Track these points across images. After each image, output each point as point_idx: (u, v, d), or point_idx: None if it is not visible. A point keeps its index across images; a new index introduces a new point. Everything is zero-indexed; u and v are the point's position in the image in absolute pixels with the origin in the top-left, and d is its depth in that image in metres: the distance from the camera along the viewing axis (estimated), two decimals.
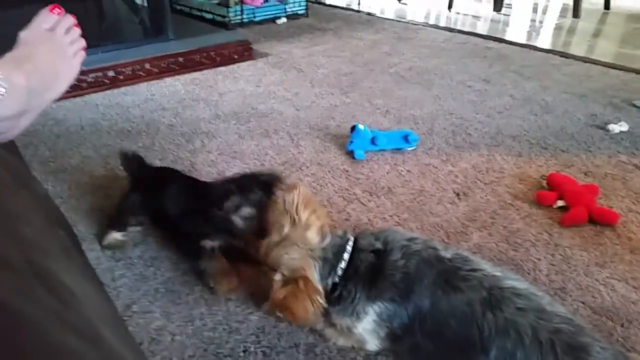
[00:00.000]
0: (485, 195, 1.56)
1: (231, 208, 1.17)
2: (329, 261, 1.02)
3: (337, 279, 1.02)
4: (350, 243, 1.04)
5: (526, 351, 0.84)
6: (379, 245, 1.02)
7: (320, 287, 1.00)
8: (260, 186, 1.20)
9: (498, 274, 0.96)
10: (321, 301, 0.98)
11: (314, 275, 1.00)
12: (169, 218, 1.29)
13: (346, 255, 1.02)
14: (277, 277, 1.02)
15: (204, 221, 1.22)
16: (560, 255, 1.32)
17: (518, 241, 1.37)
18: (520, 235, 1.39)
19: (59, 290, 0.40)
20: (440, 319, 0.93)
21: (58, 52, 0.95)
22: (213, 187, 1.27)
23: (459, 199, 1.55)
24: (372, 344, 1.04)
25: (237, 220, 1.18)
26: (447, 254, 0.99)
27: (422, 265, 0.97)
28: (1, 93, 0.81)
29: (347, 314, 1.01)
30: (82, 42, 0.99)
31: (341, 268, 1.02)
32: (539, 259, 1.30)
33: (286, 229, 1.04)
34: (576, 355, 0.82)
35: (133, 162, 1.43)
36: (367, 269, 1.00)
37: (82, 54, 0.99)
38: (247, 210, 1.18)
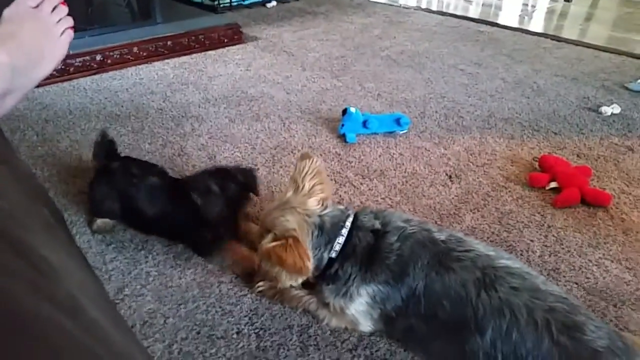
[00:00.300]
0: (478, 178, 1.56)
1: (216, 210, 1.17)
2: (325, 232, 1.00)
3: (333, 255, 1.01)
4: (350, 219, 1.03)
5: (522, 331, 0.84)
6: (378, 225, 1.01)
7: (310, 252, 0.98)
8: (236, 180, 1.20)
9: (491, 253, 0.95)
10: (308, 264, 0.96)
11: (306, 239, 0.99)
12: (144, 219, 1.26)
13: (344, 231, 1.01)
14: (269, 236, 1.00)
15: (185, 219, 1.21)
16: (554, 236, 1.32)
17: (511, 223, 1.37)
18: (513, 217, 1.39)
19: (35, 262, 0.39)
20: (434, 300, 0.93)
21: (44, 31, 0.92)
22: (186, 183, 1.24)
23: (451, 181, 1.55)
24: (365, 326, 1.03)
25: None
26: (441, 236, 0.99)
27: (416, 247, 0.97)
28: None
29: (341, 294, 1.00)
30: (70, 21, 0.96)
31: (339, 243, 1.00)
32: (532, 241, 1.31)
33: (288, 194, 1.04)
34: (571, 334, 0.82)
35: (102, 151, 1.33)
36: (365, 250, 0.99)
37: (70, 33, 0.96)
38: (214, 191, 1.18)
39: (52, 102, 2.03)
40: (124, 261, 1.23)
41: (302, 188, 1.03)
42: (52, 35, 0.93)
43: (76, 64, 2.27)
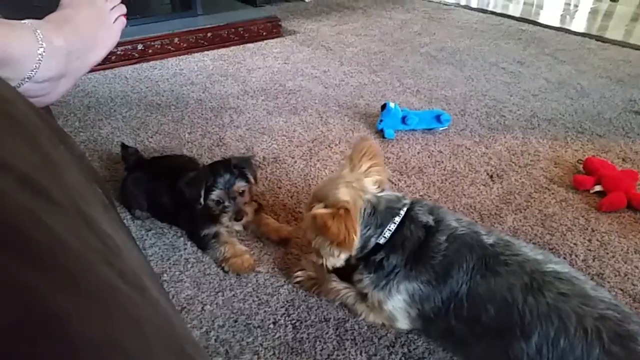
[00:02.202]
0: (520, 178, 1.52)
1: (194, 196, 1.16)
2: (378, 213, 0.98)
3: (381, 241, 0.98)
4: (405, 208, 1.00)
5: (570, 339, 0.81)
6: (430, 220, 0.98)
7: (358, 228, 0.95)
8: (230, 169, 1.18)
9: (539, 257, 0.92)
10: (354, 238, 0.93)
11: (357, 215, 0.96)
12: (166, 210, 1.30)
13: (397, 219, 0.98)
14: (319, 204, 0.97)
15: (191, 213, 1.22)
16: (598, 240, 1.28)
17: (554, 225, 1.33)
18: (556, 220, 1.35)
19: (103, 237, 0.39)
20: (477, 303, 0.90)
21: (99, 17, 0.94)
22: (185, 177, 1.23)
23: (492, 181, 1.51)
24: (403, 323, 1.02)
25: (212, 204, 1.17)
26: (489, 239, 0.96)
27: (463, 249, 0.94)
28: (40, 53, 0.81)
29: (380, 286, 0.99)
30: (123, 9, 0.97)
31: (389, 230, 0.98)
32: (575, 244, 1.27)
33: (344, 171, 1.03)
34: (624, 344, 0.79)
35: (129, 153, 1.44)
36: (414, 245, 0.96)
37: (123, 20, 0.97)
38: (216, 193, 1.16)
39: (94, 90, 2.07)
40: (163, 247, 1.24)
41: (360, 167, 1.02)
42: (106, 21, 0.95)
43: (118, 52, 2.31)
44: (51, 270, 0.28)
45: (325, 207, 0.96)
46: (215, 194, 1.16)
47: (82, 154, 0.77)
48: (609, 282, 1.15)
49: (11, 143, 0.39)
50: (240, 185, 1.18)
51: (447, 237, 0.95)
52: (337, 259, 1.03)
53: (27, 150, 0.41)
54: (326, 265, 1.05)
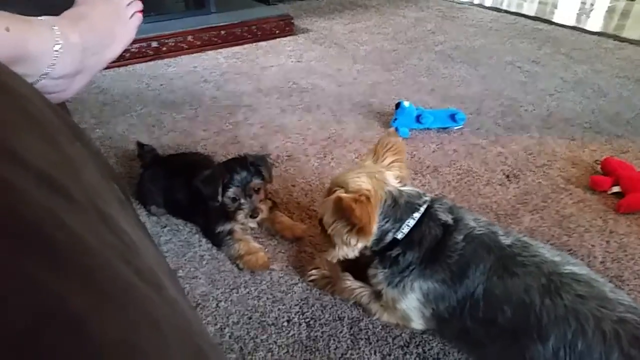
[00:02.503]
0: (537, 179, 1.51)
1: (211, 193, 1.15)
2: (399, 206, 0.97)
3: (399, 236, 0.97)
4: (426, 205, 0.98)
5: (588, 341, 0.80)
6: (449, 219, 0.96)
7: (377, 218, 0.94)
8: (246, 166, 1.18)
9: (557, 259, 0.91)
10: (374, 226, 0.93)
11: (377, 204, 0.95)
12: (181, 207, 1.31)
13: (417, 215, 0.97)
14: (340, 190, 0.96)
15: (205, 209, 1.22)
16: (616, 242, 1.26)
17: (571, 226, 1.31)
18: (573, 221, 1.33)
19: (121, 235, 0.39)
20: (494, 305, 0.89)
21: (115, 13, 0.94)
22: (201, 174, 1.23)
23: (509, 181, 1.50)
24: (417, 323, 1.01)
25: (228, 202, 1.18)
26: (507, 240, 0.94)
27: (480, 250, 0.92)
28: (57, 50, 0.81)
29: (394, 283, 0.98)
30: (139, 5, 0.97)
31: (407, 226, 0.96)
32: (593, 246, 1.25)
33: (366, 163, 1.03)
34: None
35: (145, 151, 1.45)
36: (431, 243, 0.95)
37: (139, 16, 0.97)
38: (233, 191, 1.16)
39: (109, 86, 2.09)
40: (179, 243, 1.25)
41: (383, 160, 1.02)
42: (122, 17, 0.95)
43: (133, 49, 2.32)
44: (70, 270, 0.28)
45: (346, 193, 0.95)
46: (231, 191, 1.16)
47: (98, 150, 0.78)
48: (628, 284, 1.14)
49: (29, 140, 0.39)
50: (256, 182, 1.18)
51: (465, 237, 0.94)
52: (352, 249, 1.01)
53: (45, 148, 0.41)
54: (339, 256, 1.04)
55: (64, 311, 0.24)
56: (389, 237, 0.98)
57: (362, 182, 0.96)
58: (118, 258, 0.35)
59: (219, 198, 1.15)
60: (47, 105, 0.63)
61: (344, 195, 0.92)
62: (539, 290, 0.86)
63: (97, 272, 0.30)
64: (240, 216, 1.18)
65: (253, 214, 1.18)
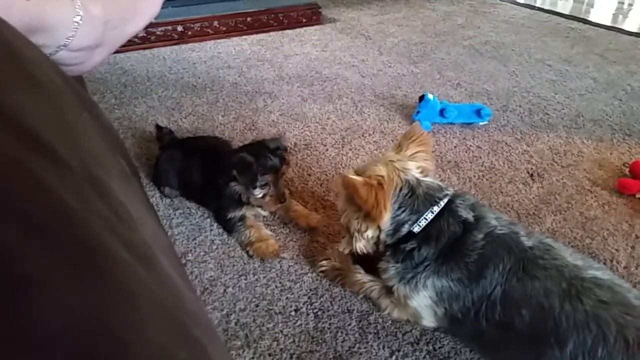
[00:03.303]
0: (562, 179, 1.45)
1: (249, 180, 1.13)
2: (417, 197, 0.93)
3: (416, 229, 0.93)
4: (447, 199, 0.94)
5: (609, 349, 0.75)
6: (469, 216, 0.92)
7: (389, 204, 0.91)
8: (273, 152, 1.16)
9: (579, 263, 0.86)
10: (384, 213, 0.90)
11: (391, 191, 0.92)
12: (196, 190, 1.29)
13: (436, 209, 0.93)
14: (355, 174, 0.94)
15: (219, 194, 1.20)
16: None
17: (595, 229, 1.26)
18: (597, 223, 1.28)
19: (114, 205, 0.36)
20: (511, 308, 0.85)
21: None
22: (224, 159, 1.21)
23: (532, 180, 1.45)
24: (428, 321, 0.98)
25: (238, 189, 1.16)
26: (528, 242, 0.89)
27: (500, 250, 0.88)
28: (77, 21, 0.80)
29: (407, 279, 0.94)
30: None
31: (425, 219, 0.92)
32: (617, 250, 1.20)
33: (389, 152, 1.00)
34: None
35: (163, 134, 1.45)
36: (449, 239, 0.91)
37: None
38: (266, 178, 1.14)
39: (131, 68, 2.09)
40: (190, 227, 1.23)
41: (406, 149, 0.99)
42: None
43: (158, 32, 2.32)
44: (37, 230, 0.25)
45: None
46: (266, 177, 1.14)
47: (109, 125, 0.76)
48: None
49: (24, 99, 0.37)
50: (283, 168, 1.17)
51: (485, 236, 0.90)
52: (367, 241, 0.99)
53: (42, 110, 0.39)
54: (355, 249, 1.01)
55: (16, 272, 0.22)
56: (405, 230, 0.94)
57: (376, 168, 0.94)
58: (103, 226, 0.33)
59: (257, 184, 1.14)
60: (58, 73, 0.61)
61: (350, 176, 0.90)
62: (559, 295, 0.82)
63: (69, 234, 0.27)
64: (269, 201, 1.17)
65: (282, 199, 1.17)
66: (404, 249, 0.94)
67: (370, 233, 0.96)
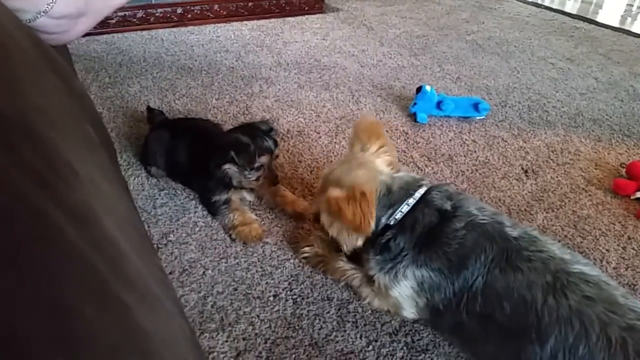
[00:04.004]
0: (557, 176, 1.42)
1: (247, 162, 1.11)
2: (392, 194, 0.92)
3: (392, 222, 0.92)
4: (422, 190, 0.93)
5: (591, 347, 0.73)
6: (447, 206, 0.91)
7: (374, 211, 0.89)
8: (267, 134, 1.14)
9: (567, 257, 0.84)
10: (371, 222, 0.88)
11: (374, 197, 0.90)
12: (183, 171, 1.26)
13: (411, 201, 0.92)
14: (336, 188, 0.92)
15: (207, 177, 1.17)
16: (634, 249, 1.18)
17: (587, 228, 1.23)
18: (590, 223, 1.25)
19: (57, 165, 0.34)
20: (493, 300, 0.83)
21: None
22: (214, 141, 1.19)
23: (526, 176, 1.42)
24: (409, 312, 0.95)
25: (231, 172, 1.13)
26: (513, 232, 0.87)
27: (482, 240, 0.86)
28: None
29: (386, 269, 0.92)
30: None
31: (401, 212, 0.91)
32: (607, 250, 1.17)
33: (355, 154, 0.98)
34: None
35: (154, 115, 1.43)
36: (425, 229, 0.89)
37: None
38: (263, 159, 1.12)
39: (128, 48, 2.06)
40: (174, 208, 1.21)
41: (369, 148, 0.97)
42: None
43: (157, 14, 2.29)
44: None
45: (340, 190, 0.90)
46: (260, 160, 1.12)
47: (83, 94, 0.74)
48: None
49: None
50: (276, 150, 1.15)
51: (465, 225, 0.87)
52: (356, 242, 0.98)
53: None
54: (345, 250, 1.01)
55: None
56: (382, 224, 0.93)
57: (356, 176, 0.93)
58: (29, 178, 0.31)
59: (255, 165, 1.11)
60: (28, 36, 0.59)
61: (334, 195, 0.88)
62: (542, 288, 0.79)
63: None
64: (260, 184, 1.15)
65: (275, 182, 1.16)
66: (381, 241, 0.93)
67: (360, 242, 0.96)
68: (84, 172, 0.42)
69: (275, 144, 1.16)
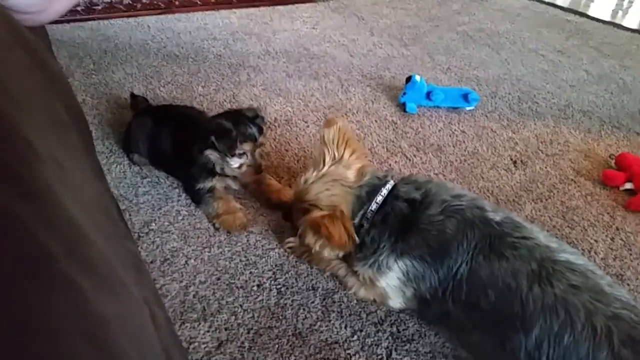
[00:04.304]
0: (546, 167, 1.41)
1: (227, 147, 1.08)
2: (361, 200, 0.93)
3: (364, 223, 0.93)
4: (388, 187, 0.94)
5: (576, 335, 0.72)
6: (416, 195, 0.91)
7: (351, 227, 0.91)
8: (252, 121, 1.12)
9: (553, 245, 0.83)
10: (354, 237, 0.90)
11: (349, 211, 0.92)
12: (166, 158, 1.24)
13: (379, 198, 0.92)
14: (316, 212, 0.93)
15: (190, 164, 1.15)
16: (622, 240, 1.17)
17: (575, 219, 1.23)
18: (578, 213, 1.24)
19: (10, 138, 0.32)
20: (477, 288, 0.82)
21: None
22: (198, 127, 1.16)
23: (515, 167, 1.41)
24: (396, 302, 0.94)
25: (213, 158, 1.11)
26: (495, 217, 0.87)
27: (463, 225, 0.85)
28: None
29: (369, 263, 0.92)
30: None
31: (371, 211, 0.92)
32: (596, 241, 1.16)
33: (327, 166, 0.97)
34: (637, 349, 0.69)
35: (138, 102, 1.40)
36: (397, 218, 0.90)
37: None
38: (245, 146, 1.10)
39: (114, 35, 2.02)
40: (157, 196, 1.19)
41: (341, 158, 0.97)
42: None
43: (144, 1, 2.25)
44: None
45: (319, 210, 0.93)
46: (243, 147, 1.09)
47: (56, 74, 0.71)
48: (628, 284, 1.05)
49: None
50: (261, 138, 1.13)
51: (442, 210, 0.87)
52: (337, 254, 1.00)
53: None
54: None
55: None
56: (355, 226, 0.94)
57: (333, 195, 0.94)
58: None
59: (236, 152, 1.09)
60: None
61: (319, 216, 0.89)
62: (528, 276, 0.78)
63: None
64: (244, 172, 1.14)
65: (258, 170, 1.14)
66: (358, 241, 0.93)
67: (341, 254, 0.97)
68: (45, 151, 0.40)
69: (261, 131, 1.13)
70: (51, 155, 0.41)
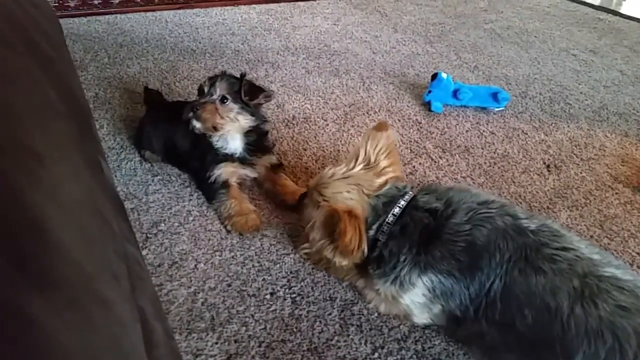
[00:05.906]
0: (581, 172, 1.32)
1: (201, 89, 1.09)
2: (377, 211, 0.86)
3: (381, 237, 0.86)
4: (407, 198, 0.87)
5: None
6: (437, 204, 0.83)
7: (364, 237, 0.84)
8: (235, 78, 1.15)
9: (596, 257, 0.74)
10: (364, 247, 0.83)
11: (363, 224, 0.85)
12: (179, 154, 1.18)
13: (396, 210, 0.85)
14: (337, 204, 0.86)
15: (201, 153, 1.11)
16: None
17: (614, 229, 1.13)
18: (617, 223, 1.15)
19: None
20: (513, 306, 0.74)
21: None
22: None
23: (548, 171, 1.32)
24: (421, 318, 0.86)
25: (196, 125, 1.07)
26: (530, 225, 0.78)
27: (494, 235, 0.77)
28: None
29: (389, 280, 0.84)
30: None
31: (387, 224, 0.85)
32: (638, 254, 1.07)
33: (357, 168, 0.91)
34: None
35: (152, 96, 1.37)
36: (417, 229, 0.82)
37: None
38: (223, 86, 1.11)
39: (130, 29, 1.98)
40: (167, 195, 1.13)
41: (376, 166, 0.90)
42: None
43: None
44: None
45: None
46: (223, 87, 1.10)
47: (52, 59, 0.65)
48: None
49: None
50: (236, 94, 1.12)
51: (469, 219, 0.79)
52: (343, 262, 0.90)
53: None
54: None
55: None
56: (370, 240, 0.87)
57: (350, 199, 0.87)
58: None
59: (212, 92, 1.08)
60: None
61: (340, 209, 0.81)
62: (569, 294, 0.70)
63: None
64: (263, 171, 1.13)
65: (277, 170, 1.17)
66: (374, 257, 0.86)
67: (345, 262, 0.88)
68: (17, 143, 0.34)
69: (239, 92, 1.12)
70: (26, 147, 0.35)
